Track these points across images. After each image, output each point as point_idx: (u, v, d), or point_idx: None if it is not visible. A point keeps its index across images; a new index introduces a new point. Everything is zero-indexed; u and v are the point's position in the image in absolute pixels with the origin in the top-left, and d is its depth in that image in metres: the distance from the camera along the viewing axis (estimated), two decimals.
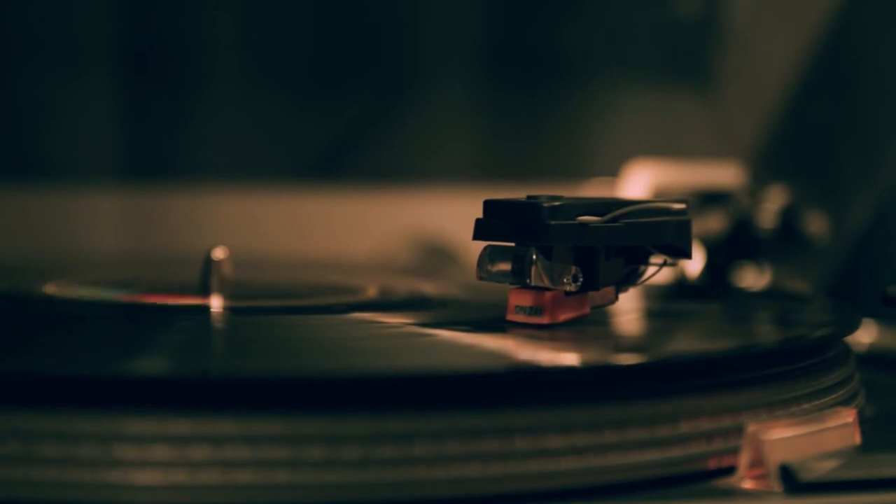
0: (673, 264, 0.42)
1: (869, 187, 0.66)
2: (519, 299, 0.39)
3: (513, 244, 0.39)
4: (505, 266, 0.39)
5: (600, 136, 0.78)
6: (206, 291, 0.45)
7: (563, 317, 0.39)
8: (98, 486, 0.30)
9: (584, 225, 0.38)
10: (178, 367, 0.34)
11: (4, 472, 0.30)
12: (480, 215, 0.39)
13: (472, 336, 0.38)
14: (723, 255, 0.59)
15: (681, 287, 0.56)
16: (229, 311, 0.44)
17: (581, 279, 0.39)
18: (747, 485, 0.33)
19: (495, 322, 0.39)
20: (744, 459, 0.33)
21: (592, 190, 0.68)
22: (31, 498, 0.30)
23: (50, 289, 0.49)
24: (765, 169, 0.67)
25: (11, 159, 0.74)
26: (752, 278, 0.59)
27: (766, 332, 0.45)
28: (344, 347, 0.37)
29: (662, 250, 0.41)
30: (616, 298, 0.41)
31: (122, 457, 0.30)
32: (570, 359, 0.36)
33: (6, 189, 0.72)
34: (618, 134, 0.77)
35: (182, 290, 0.48)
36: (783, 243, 0.60)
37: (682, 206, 0.41)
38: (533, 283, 0.38)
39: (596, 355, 0.37)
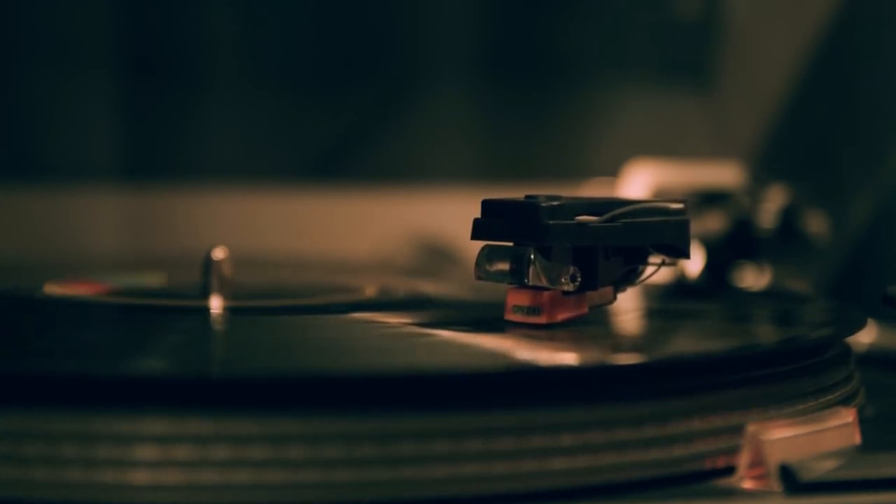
0: (671, 264, 0.42)
1: (869, 187, 0.66)
2: (517, 299, 0.39)
3: (511, 244, 0.39)
4: (503, 266, 0.39)
5: (600, 136, 0.78)
6: (206, 291, 0.45)
7: (561, 316, 0.39)
8: (100, 486, 0.30)
9: (583, 224, 0.38)
10: (179, 367, 0.34)
11: (3, 472, 0.30)
12: (479, 215, 0.39)
13: (470, 336, 0.38)
14: (723, 255, 0.59)
15: (681, 287, 0.56)
16: (229, 311, 0.44)
17: (579, 279, 0.39)
18: (747, 485, 0.33)
19: (494, 322, 0.39)
20: (744, 459, 0.33)
21: (592, 190, 0.68)
22: (33, 497, 0.30)
23: (50, 289, 0.49)
24: (765, 169, 0.67)
25: (11, 159, 0.74)
26: (752, 278, 0.59)
27: (766, 332, 0.45)
28: (343, 347, 0.37)
29: (661, 250, 0.41)
30: (614, 298, 0.41)
31: (125, 455, 0.30)
32: (568, 358, 0.36)
33: (6, 189, 0.72)
34: (618, 134, 0.77)
35: (182, 291, 0.48)
36: (783, 243, 0.60)
37: (680, 205, 0.41)
38: (531, 283, 0.38)
39: (594, 355, 0.37)
